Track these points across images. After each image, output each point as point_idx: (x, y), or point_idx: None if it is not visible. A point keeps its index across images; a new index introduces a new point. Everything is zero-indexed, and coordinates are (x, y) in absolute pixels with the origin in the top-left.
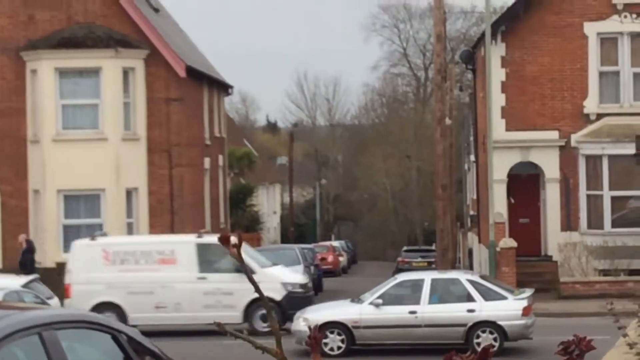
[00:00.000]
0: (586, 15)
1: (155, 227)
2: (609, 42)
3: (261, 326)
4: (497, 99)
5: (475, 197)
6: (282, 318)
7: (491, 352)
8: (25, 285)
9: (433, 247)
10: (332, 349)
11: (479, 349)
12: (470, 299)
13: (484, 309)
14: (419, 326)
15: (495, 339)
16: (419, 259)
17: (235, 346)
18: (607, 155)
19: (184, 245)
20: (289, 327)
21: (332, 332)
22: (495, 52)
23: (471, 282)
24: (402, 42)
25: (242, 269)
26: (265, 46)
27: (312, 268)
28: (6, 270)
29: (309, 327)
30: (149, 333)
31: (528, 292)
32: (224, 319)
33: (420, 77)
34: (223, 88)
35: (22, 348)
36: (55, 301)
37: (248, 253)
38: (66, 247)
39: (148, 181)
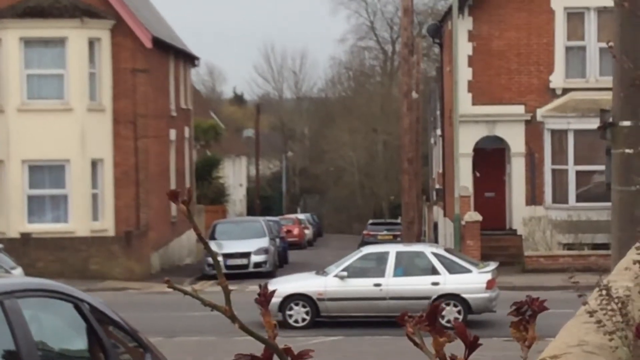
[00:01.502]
0: None
1: (120, 199)
2: (575, 17)
3: None
4: (464, 73)
5: (441, 170)
6: None
7: (440, 309)
8: None
9: (399, 221)
10: (296, 321)
11: (442, 320)
12: (434, 272)
13: (448, 282)
14: (384, 299)
15: (459, 312)
16: (385, 232)
17: (208, 317)
18: (572, 130)
19: None
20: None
21: (297, 304)
22: (462, 26)
23: (436, 255)
24: (370, 15)
25: (193, 227)
26: (233, 18)
27: (277, 240)
28: None
29: (264, 291)
30: None
31: (492, 265)
32: None
33: (388, 50)
34: (189, 59)
35: None
36: (18, 271)
37: None
38: (30, 218)
39: (113, 152)
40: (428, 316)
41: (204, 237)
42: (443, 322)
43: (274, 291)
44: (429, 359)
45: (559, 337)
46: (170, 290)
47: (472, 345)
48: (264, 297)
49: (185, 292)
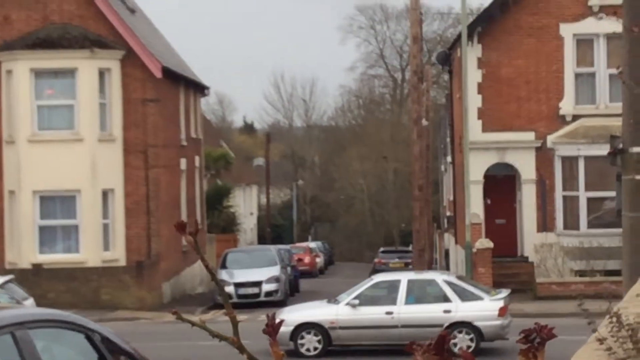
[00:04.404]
0: (562, 17)
1: (132, 228)
2: (584, 44)
3: None
4: (474, 100)
5: (451, 198)
6: None
7: (448, 338)
8: (1, 286)
9: (410, 248)
10: (308, 350)
11: (456, 349)
12: (446, 299)
13: (460, 310)
14: (396, 327)
15: (471, 340)
16: (396, 260)
17: (217, 347)
18: (582, 157)
19: None
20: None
21: (308, 333)
22: (472, 54)
23: (447, 282)
24: (379, 44)
25: (200, 258)
26: (243, 47)
27: (289, 269)
28: None
29: (271, 322)
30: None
31: (504, 292)
32: None
33: (397, 78)
34: (199, 89)
35: None
36: (30, 302)
37: None
38: (41, 248)
39: (124, 182)
40: (436, 345)
41: (212, 267)
42: (455, 349)
43: (281, 322)
44: None
45: None
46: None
47: None
48: (272, 328)
49: (193, 323)
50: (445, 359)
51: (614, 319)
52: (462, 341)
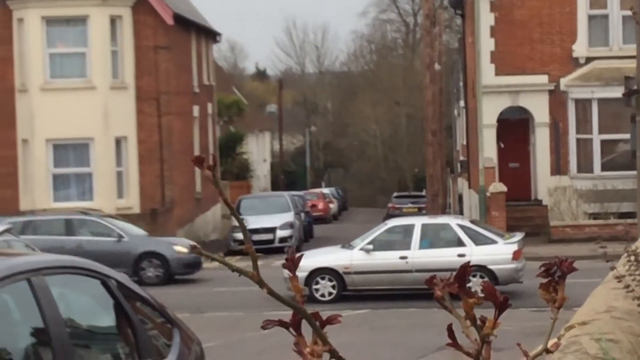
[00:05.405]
0: None
1: (145, 176)
2: None
3: None
4: (486, 44)
5: (465, 142)
6: None
7: (469, 270)
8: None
9: (423, 193)
10: (323, 295)
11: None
12: (460, 243)
13: (475, 254)
14: (410, 271)
15: None
16: (410, 205)
17: (235, 293)
18: (596, 99)
19: None
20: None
21: (323, 278)
22: None
23: (461, 226)
24: None
25: (219, 192)
26: None
27: (302, 215)
28: None
29: (291, 256)
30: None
31: (518, 236)
32: None
33: (409, 23)
34: (211, 36)
35: (11, 294)
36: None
37: None
38: (55, 197)
39: (137, 130)
40: (457, 277)
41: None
42: None
43: (301, 255)
44: (459, 322)
45: (586, 303)
46: None
47: (501, 306)
48: (292, 262)
49: (213, 258)
50: (467, 291)
51: (632, 257)
52: (476, 285)
